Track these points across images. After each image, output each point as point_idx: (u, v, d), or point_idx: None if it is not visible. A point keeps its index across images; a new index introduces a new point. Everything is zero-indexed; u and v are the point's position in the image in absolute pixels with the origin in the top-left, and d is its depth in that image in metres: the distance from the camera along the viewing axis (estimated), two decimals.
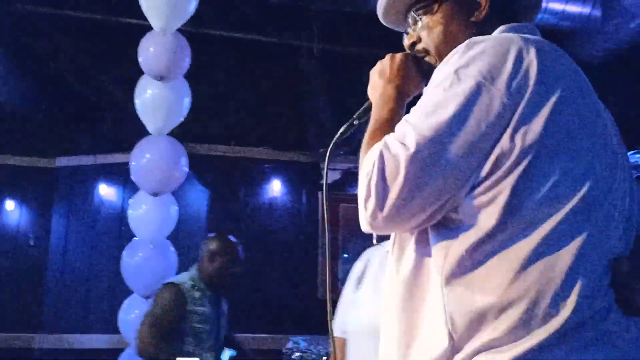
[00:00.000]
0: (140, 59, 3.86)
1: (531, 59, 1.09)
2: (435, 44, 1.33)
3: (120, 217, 5.78)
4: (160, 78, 3.83)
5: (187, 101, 4.13)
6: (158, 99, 3.97)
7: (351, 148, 6.16)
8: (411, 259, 1.16)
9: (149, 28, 3.90)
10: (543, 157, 1.05)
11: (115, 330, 4.44)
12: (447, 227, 1.11)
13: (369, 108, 1.37)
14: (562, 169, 1.06)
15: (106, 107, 5.78)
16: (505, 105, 1.06)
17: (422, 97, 1.15)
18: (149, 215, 4.35)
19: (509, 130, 1.06)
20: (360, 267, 2.52)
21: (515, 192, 1.04)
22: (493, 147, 1.06)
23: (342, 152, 5.92)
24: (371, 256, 2.60)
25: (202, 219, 6.01)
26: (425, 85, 1.28)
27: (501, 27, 1.25)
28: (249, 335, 5.46)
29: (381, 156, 1.09)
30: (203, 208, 6.06)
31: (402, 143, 1.08)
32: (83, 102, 5.76)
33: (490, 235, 1.05)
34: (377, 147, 1.12)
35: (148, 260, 4.29)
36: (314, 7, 5.30)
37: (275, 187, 6.12)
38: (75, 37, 5.43)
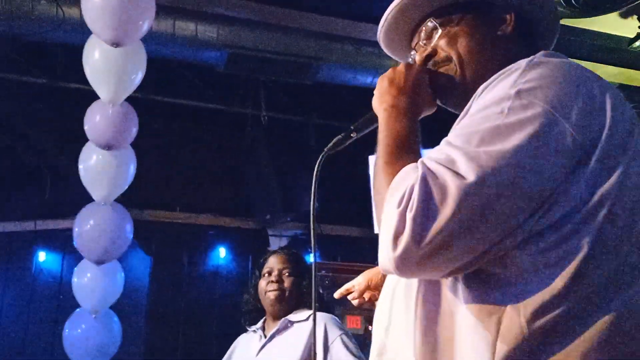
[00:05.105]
0: (86, 128, 3.79)
1: (604, 99, 0.97)
2: (461, 52, 1.19)
3: (59, 286, 5.58)
4: (107, 147, 3.77)
5: (132, 169, 4.07)
6: (103, 166, 3.89)
7: (298, 214, 6.15)
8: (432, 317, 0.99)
9: (94, 94, 3.84)
10: (620, 214, 0.91)
11: None
12: (490, 284, 0.93)
13: (372, 119, 1.22)
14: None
15: (47, 173, 5.67)
16: (577, 143, 0.91)
17: (468, 118, 0.99)
18: (93, 284, 4.22)
19: (582, 175, 0.91)
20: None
21: (591, 252, 0.89)
22: (558, 192, 0.90)
23: (289, 218, 5.94)
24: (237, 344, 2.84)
25: (144, 288, 5.86)
26: (437, 105, 1.23)
27: (543, 52, 1.07)
28: None
29: (424, 182, 0.90)
30: (145, 276, 5.92)
31: (451, 170, 0.90)
32: (23, 167, 5.63)
33: (557, 302, 0.88)
34: (411, 170, 0.95)
35: (91, 331, 4.14)
36: (261, 77, 5.41)
37: (221, 254, 6.05)
38: (16, 101, 5.36)
